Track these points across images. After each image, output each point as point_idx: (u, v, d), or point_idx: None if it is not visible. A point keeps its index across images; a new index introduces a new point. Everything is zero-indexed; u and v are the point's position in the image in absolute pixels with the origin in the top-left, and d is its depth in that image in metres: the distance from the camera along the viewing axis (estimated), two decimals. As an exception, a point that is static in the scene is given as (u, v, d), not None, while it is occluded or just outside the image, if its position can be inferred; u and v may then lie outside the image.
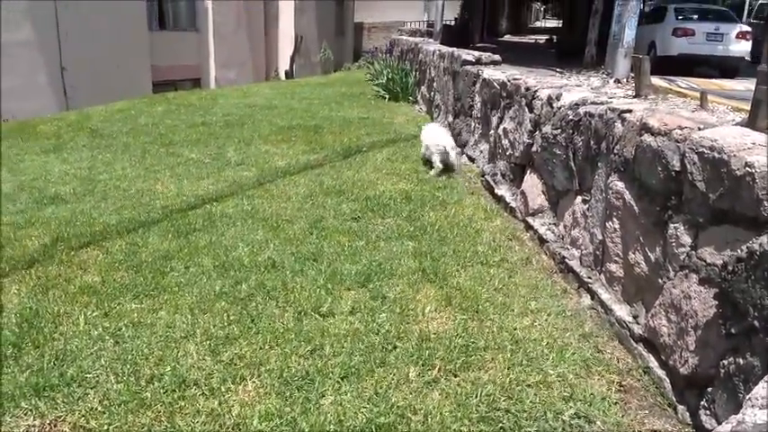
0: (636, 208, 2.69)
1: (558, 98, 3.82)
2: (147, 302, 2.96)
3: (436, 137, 5.38)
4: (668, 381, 2.32)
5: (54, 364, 2.44)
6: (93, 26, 13.47)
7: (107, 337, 2.64)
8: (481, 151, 5.58)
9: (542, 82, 4.45)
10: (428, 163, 5.40)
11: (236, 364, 2.44)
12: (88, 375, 2.37)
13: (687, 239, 2.29)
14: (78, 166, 5.63)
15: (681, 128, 2.43)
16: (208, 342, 2.60)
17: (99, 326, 2.74)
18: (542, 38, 29.87)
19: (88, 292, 3.05)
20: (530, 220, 4.01)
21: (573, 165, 3.48)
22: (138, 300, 2.98)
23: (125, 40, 14.56)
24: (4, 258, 3.46)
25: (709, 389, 2.05)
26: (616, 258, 2.88)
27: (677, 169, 2.36)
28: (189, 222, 4.04)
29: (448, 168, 5.25)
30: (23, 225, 4.01)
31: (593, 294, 3.04)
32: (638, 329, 2.59)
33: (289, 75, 19.86)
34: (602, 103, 3.32)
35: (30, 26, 12.40)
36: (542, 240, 3.76)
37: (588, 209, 3.26)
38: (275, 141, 6.55)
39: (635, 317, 2.67)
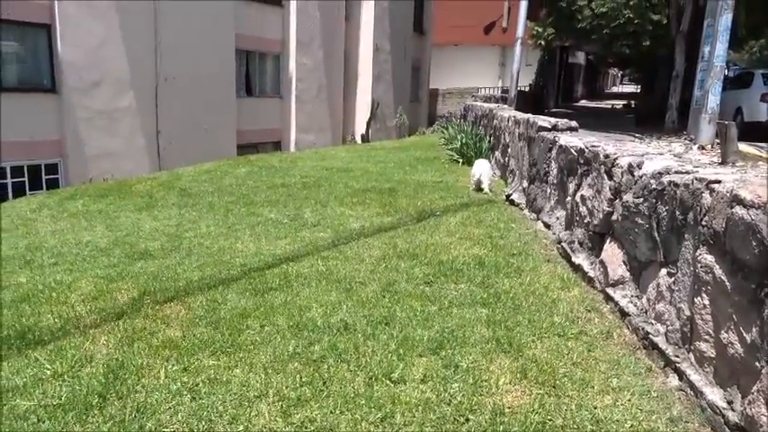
0: (728, 284, 2.54)
1: (639, 166, 3.73)
2: (223, 359, 3.03)
3: (476, 168, 7.74)
4: (771, 477, 2.11)
5: (135, 417, 2.53)
6: (187, 94, 14.60)
7: (185, 392, 2.72)
8: (557, 218, 5.48)
9: (622, 149, 4.37)
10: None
11: (306, 428, 2.44)
12: (165, 430, 2.44)
13: (788, 321, 2.13)
14: (167, 223, 5.98)
15: (776, 201, 2.30)
16: (280, 403, 2.62)
17: (178, 380, 2.82)
18: (619, 103, 29.53)
19: (170, 346, 3.17)
20: (610, 291, 3.86)
21: (657, 235, 3.35)
22: (216, 356, 3.07)
23: (215, 107, 15.65)
24: (96, 309, 3.68)
25: (821, 491, 1.85)
26: (706, 337, 2.70)
27: (774, 245, 2.22)
28: (266, 281, 4.16)
29: (480, 189, 7.57)
30: (115, 278, 4.27)
31: (681, 375, 2.85)
32: (733, 417, 2.39)
33: (364, 139, 20.53)
34: (687, 173, 3.20)
35: (132, 94, 13.59)
36: (624, 313, 3.59)
37: (674, 282, 3.10)
38: (350, 203, 6.71)
39: (729, 402, 2.46)
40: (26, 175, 12.34)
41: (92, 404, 2.62)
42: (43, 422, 2.50)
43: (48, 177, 12.67)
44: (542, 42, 19.15)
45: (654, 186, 3.42)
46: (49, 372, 2.92)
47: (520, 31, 13.77)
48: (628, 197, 3.77)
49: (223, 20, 15.93)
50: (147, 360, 3.03)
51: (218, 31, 15.84)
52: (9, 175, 12.07)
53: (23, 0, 11.78)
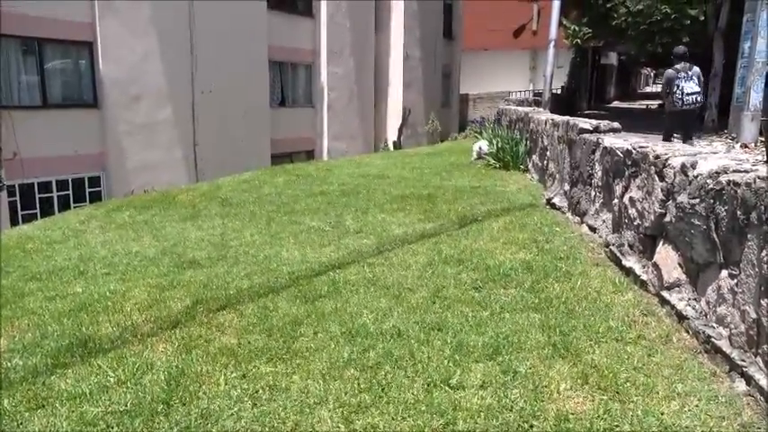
0: (799, 285, 2.46)
1: (693, 166, 3.65)
2: (280, 366, 3.06)
3: (476, 144, 11.07)
4: None
5: (200, 422, 2.57)
6: (222, 106, 14.87)
7: (245, 399, 2.76)
8: (603, 221, 5.39)
9: (672, 149, 4.28)
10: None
11: (369, 434, 2.44)
12: (231, 436, 2.47)
13: None
14: (212, 232, 6.07)
15: None
16: (341, 409, 2.63)
17: (238, 387, 2.86)
18: (653, 103, 28.99)
19: (227, 354, 3.21)
20: (665, 294, 3.77)
21: (715, 236, 3.26)
22: (272, 363, 3.10)
23: (249, 118, 15.89)
24: (152, 318, 3.76)
25: None
26: (776, 340, 2.62)
27: None
28: (314, 288, 4.19)
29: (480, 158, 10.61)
30: (167, 287, 4.36)
31: (748, 379, 2.76)
32: (811, 422, 2.31)
33: (396, 145, 20.58)
34: (746, 171, 3.13)
35: (171, 108, 13.91)
36: (681, 317, 3.50)
37: (737, 284, 3.01)
38: (390, 210, 6.72)
39: (805, 408, 2.38)
40: (71, 188, 12.71)
41: (157, 410, 2.68)
42: (112, 428, 2.56)
43: (91, 190, 13.03)
44: (579, 41, 18.87)
45: (711, 186, 3.34)
46: (112, 379, 2.99)
47: (553, 33, 13.64)
48: (682, 198, 3.69)
49: (256, 32, 16.20)
50: (206, 367, 3.08)
51: (252, 44, 16.10)
52: (55, 189, 12.46)
53: (68, 20, 12.17)
